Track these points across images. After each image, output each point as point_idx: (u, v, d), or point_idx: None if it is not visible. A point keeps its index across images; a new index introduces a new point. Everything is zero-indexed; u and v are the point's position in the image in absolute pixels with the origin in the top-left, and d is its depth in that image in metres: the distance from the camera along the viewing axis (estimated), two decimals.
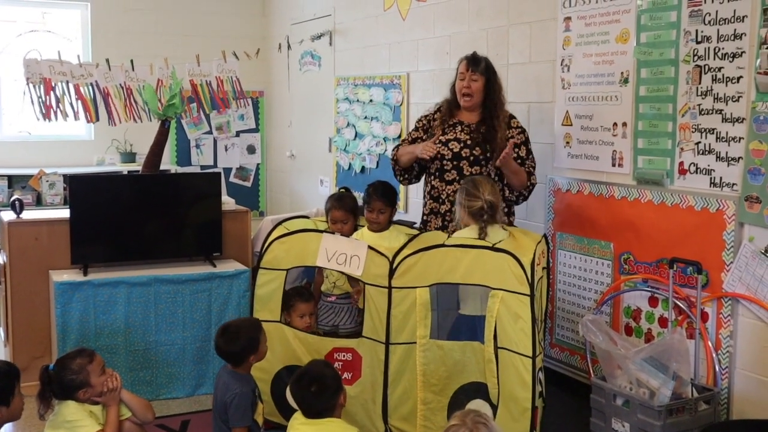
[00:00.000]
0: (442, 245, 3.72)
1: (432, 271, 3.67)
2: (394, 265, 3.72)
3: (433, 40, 5.55)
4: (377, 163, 6.25)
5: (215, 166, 8.24)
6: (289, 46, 6.51)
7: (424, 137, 4.38)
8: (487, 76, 4.21)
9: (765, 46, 3.33)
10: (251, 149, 8.40)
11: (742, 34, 3.46)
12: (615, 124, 4.12)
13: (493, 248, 3.63)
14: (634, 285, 4.04)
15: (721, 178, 3.59)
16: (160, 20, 7.89)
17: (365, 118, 6.36)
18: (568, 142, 4.43)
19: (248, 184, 8.46)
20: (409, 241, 3.88)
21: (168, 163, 7.98)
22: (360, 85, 6.46)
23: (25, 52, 7.20)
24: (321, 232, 3.98)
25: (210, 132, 8.21)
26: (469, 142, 4.19)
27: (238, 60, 5.62)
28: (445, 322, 3.95)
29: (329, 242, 3.91)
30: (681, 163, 3.78)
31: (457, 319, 3.92)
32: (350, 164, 6.65)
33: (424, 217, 4.36)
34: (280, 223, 4.18)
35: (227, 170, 8.33)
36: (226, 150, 8.29)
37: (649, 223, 3.93)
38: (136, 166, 7.71)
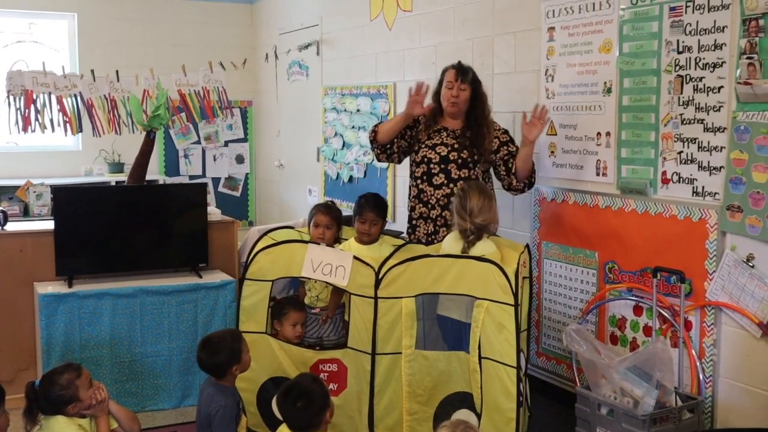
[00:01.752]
0: (428, 255, 3.74)
1: (418, 281, 3.68)
2: (380, 276, 3.73)
3: (419, 50, 5.57)
4: (365, 172, 6.26)
5: (204, 175, 8.25)
6: (276, 56, 6.53)
7: (407, 132, 4.38)
8: (474, 86, 4.25)
9: (745, 57, 3.35)
10: (240, 159, 8.41)
11: (722, 44, 3.48)
12: (599, 133, 4.14)
13: (478, 258, 3.65)
14: (618, 294, 4.05)
15: (703, 187, 3.61)
16: (148, 30, 7.91)
17: (353, 127, 6.37)
18: (552, 152, 4.44)
19: (237, 193, 8.46)
20: (395, 251, 3.89)
21: (156, 173, 7.99)
22: (347, 94, 6.47)
23: (12, 62, 7.23)
24: (306, 242, 3.99)
25: (198, 142, 8.22)
26: (456, 145, 4.22)
27: (225, 70, 5.63)
28: (431, 332, 3.97)
29: (315, 253, 3.92)
30: (664, 173, 3.79)
31: (443, 324, 3.92)
32: (338, 174, 6.66)
33: (413, 222, 4.37)
34: (265, 234, 4.17)
35: (216, 180, 8.34)
36: (215, 160, 8.30)
37: (633, 232, 3.95)
38: (124, 176, 7.65)
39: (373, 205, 4.19)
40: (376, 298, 3.74)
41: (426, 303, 3.90)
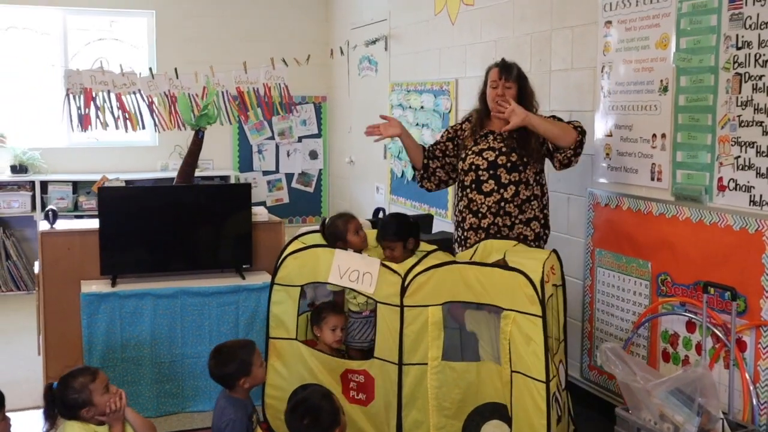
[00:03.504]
0: (454, 262, 3.57)
1: (445, 288, 3.53)
2: (406, 283, 3.59)
3: (480, 45, 5.37)
4: None
5: (277, 171, 8.26)
6: (341, 52, 6.43)
7: (448, 144, 4.24)
8: (520, 83, 4.03)
9: None
10: (314, 155, 8.38)
11: None
12: (654, 135, 3.86)
13: (504, 266, 3.45)
14: (671, 308, 3.76)
15: (761, 195, 3.29)
16: (224, 26, 7.95)
17: (417, 125, 6.22)
18: (608, 154, 4.18)
19: (310, 189, 8.43)
20: (424, 257, 3.72)
21: (230, 169, 8.05)
22: (412, 91, 6.32)
23: (94, 60, 7.40)
24: (334, 247, 3.86)
25: (272, 137, 8.23)
26: (504, 149, 4.01)
27: (288, 66, 5.56)
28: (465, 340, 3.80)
29: (342, 259, 3.80)
30: (720, 179, 3.49)
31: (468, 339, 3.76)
32: (403, 171, 6.52)
33: (463, 234, 4.16)
34: (296, 238, 4.08)
35: (289, 176, 8.34)
36: (288, 155, 8.29)
37: (687, 242, 3.66)
38: (198, 172, 7.77)
39: (390, 232, 4.03)
40: (402, 306, 3.60)
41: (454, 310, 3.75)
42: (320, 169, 8.43)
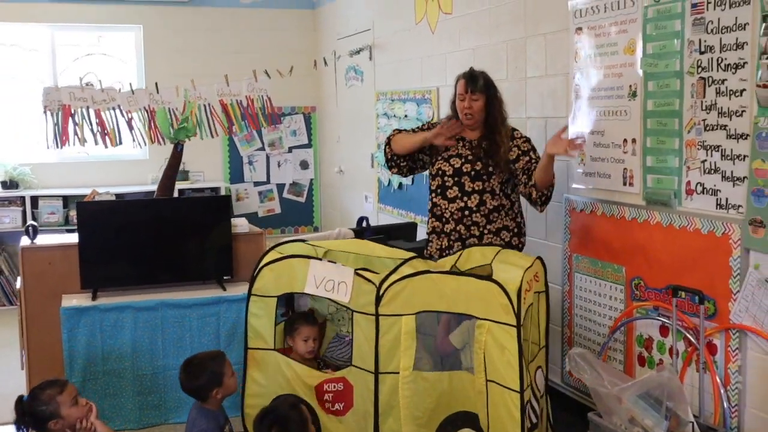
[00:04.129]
0: (428, 271, 3.59)
1: (419, 298, 3.54)
2: (381, 292, 3.61)
3: (459, 54, 5.39)
4: (413, 179, 6.12)
5: (268, 182, 8.30)
6: (325, 62, 6.47)
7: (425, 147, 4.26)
8: (487, 93, 4.06)
9: (765, 57, 3.05)
10: (304, 164, 8.41)
11: (743, 43, 3.18)
12: (625, 140, 3.87)
13: (479, 276, 3.48)
14: (645, 312, 3.77)
15: (727, 199, 3.31)
16: (212, 39, 7.99)
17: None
18: (582, 160, 4.20)
19: (302, 199, 8.46)
20: (400, 265, 3.74)
21: (221, 180, 8.08)
22: (396, 99, 6.35)
23: (82, 74, 7.45)
24: (308, 258, 3.88)
25: (263, 148, 8.27)
26: (470, 157, 4.06)
27: (270, 78, 5.60)
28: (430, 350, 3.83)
29: (317, 269, 3.82)
30: (688, 183, 3.50)
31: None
32: (389, 180, 6.54)
33: (429, 236, 4.23)
34: (273, 248, 4.10)
35: (280, 186, 8.37)
36: (279, 166, 8.33)
37: (658, 246, 3.67)
38: (190, 184, 7.83)
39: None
40: (377, 315, 3.62)
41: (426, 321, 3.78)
42: (311, 179, 8.46)
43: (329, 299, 3.82)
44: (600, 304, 4.10)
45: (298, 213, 8.44)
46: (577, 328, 4.29)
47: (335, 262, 3.90)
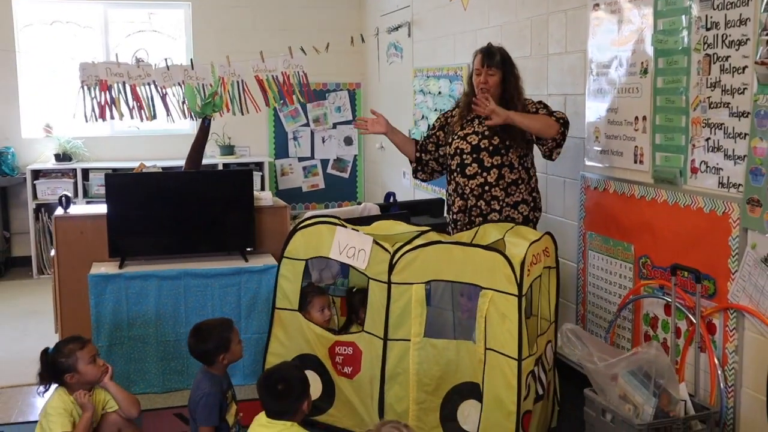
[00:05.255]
0: (439, 242, 3.66)
1: (429, 267, 3.63)
2: (394, 260, 3.69)
3: (488, 30, 5.39)
4: None
5: (312, 157, 8.41)
6: (362, 39, 6.53)
7: (439, 134, 4.34)
8: (504, 68, 4.07)
9: (765, 33, 3.00)
10: (348, 141, 8.49)
11: (746, 19, 3.13)
12: (636, 117, 3.85)
13: (485, 247, 3.54)
14: (651, 291, 3.76)
15: (728, 177, 3.27)
16: (259, 16, 8.11)
17: (435, 110, 6.28)
18: (597, 137, 4.18)
19: (346, 175, 8.56)
20: (416, 237, 3.82)
21: (266, 155, 8.23)
22: (431, 76, 6.38)
23: (134, 50, 7.68)
24: (336, 224, 3.99)
25: (307, 124, 8.38)
26: (487, 132, 4.08)
27: (306, 55, 5.69)
28: (439, 320, 3.89)
29: (342, 235, 3.94)
30: (693, 161, 3.47)
31: None
32: None
33: (454, 216, 4.29)
34: (312, 217, 4.20)
35: (325, 161, 8.48)
36: (324, 142, 8.43)
37: (664, 225, 3.65)
38: (235, 159, 8.01)
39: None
40: (389, 283, 3.71)
41: (436, 290, 3.85)
42: (355, 155, 8.54)
43: (349, 265, 3.92)
44: (611, 282, 4.10)
45: (341, 188, 8.54)
46: (590, 305, 4.30)
47: (358, 230, 4.00)
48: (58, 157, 7.54)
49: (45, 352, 3.48)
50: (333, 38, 6.04)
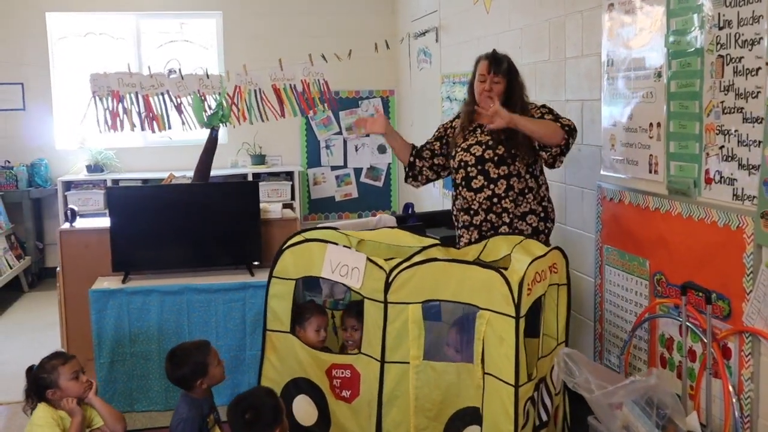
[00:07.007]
0: (435, 259, 3.46)
1: (426, 286, 3.43)
2: (390, 279, 3.51)
3: (509, 34, 5.17)
4: None
5: (345, 166, 8.28)
6: (387, 45, 6.35)
7: (436, 145, 4.15)
8: (509, 77, 3.87)
9: None
10: (382, 149, 8.34)
11: (759, 16, 2.87)
12: (651, 124, 3.59)
13: (482, 264, 3.34)
14: (667, 310, 3.50)
15: (742, 189, 3.01)
16: (290, 23, 8.02)
17: (458, 117, 6.07)
18: (613, 145, 3.93)
19: (379, 184, 8.40)
20: (416, 253, 3.63)
21: (298, 165, 8.13)
22: (457, 82, 6.18)
23: (166, 61, 7.67)
24: (326, 242, 3.82)
25: (340, 132, 8.25)
26: (491, 142, 3.88)
27: (327, 62, 5.56)
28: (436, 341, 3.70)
29: (333, 254, 3.76)
30: (707, 171, 3.21)
31: None
32: None
33: (460, 231, 4.09)
34: (299, 233, 4.06)
35: (358, 170, 8.34)
36: (357, 150, 8.29)
37: (678, 239, 3.39)
38: (266, 168, 7.93)
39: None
40: (385, 302, 3.52)
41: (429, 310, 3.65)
42: (389, 164, 8.38)
43: (342, 284, 3.75)
44: (627, 300, 3.84)
45: (375, 197, 8.39)
46: (607, 324, 4.05)
47: (350, 248, 3.83)
48: (90, 168, 7.56)
49: (30, 369, 3.41)
50: (365, 45, 5.91)
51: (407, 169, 4.25)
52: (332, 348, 4.10)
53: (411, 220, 5.21)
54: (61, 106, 7.79)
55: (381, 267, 3.57)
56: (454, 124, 4.14)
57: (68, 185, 7.44)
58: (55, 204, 7.56)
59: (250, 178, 7.57)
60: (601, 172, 4.01)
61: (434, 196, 6.90)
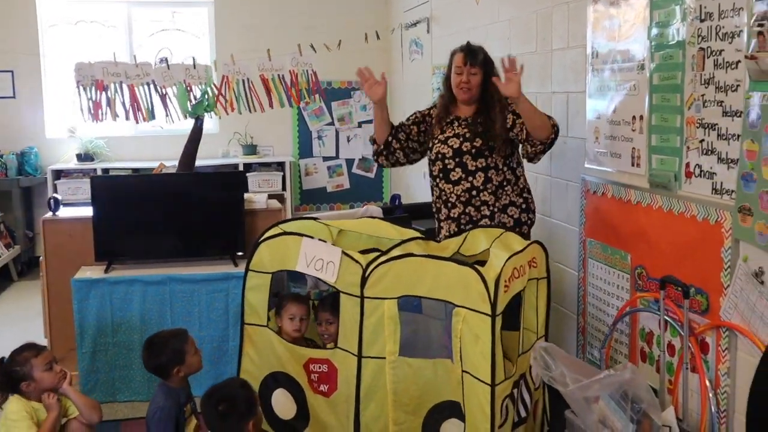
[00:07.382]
0: (411, 254, 3.43)
1: (402, 281, 3.40)
2: (367, 273, 3.48)
3: (498, 26, 5.15)
4: None
5: (337, 157, 8.26)
6: (377, 36, 6.32)
7: (413, 129, 4.12)
8: (485, 68, 3.85)
9: (756, 24, 2.71)
10: (374, 140, 8.28)
11: (740, 8, 2.84)
12: (634, 117, 3.57)
13: (458, 261, 3.31)
14: (647, 304, 3.49)
15: (721, 183, 2.99)
16: (282, 13, 7.98)
17: None
18: (596, 138, 3.91)
19: (371, 175, 8.38)
20: (394, 246, 3.61)
21: (290, 155, 8.11)
22: None
23: (157, 50, 7.62)
24: (301, 236, 3.80)
25: (332, 123, 8.22)
26: (468, 134, 3.86)
27: (316, 52, 5.54)
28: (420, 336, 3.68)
29: (308, 247, 3.73)
30: (687, 164, 3.19)
31: None
32: None
33: (440, 224, 4.07)
34: (276, 224, 4.03)
35: (350, 161, 8.31)
36: (348, 141, 8.26)
37: (659, 233, 3.38)
38: (257, 158, 7.90)
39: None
40: (362, 297, 3.50)
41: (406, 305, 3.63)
42: None
43: (317, 278, 3.73)
44: (609, 293, 3.83)
45: (367, 188, 8.37)
46: (590, 317, 4.03)
47: (326, 241, 3.81)
48: (80, 157, 7.54)
49: (1, 362, 3.37)
50: (358, 36, 5.87)
51: (382, 148, 4.21)
52: (316, 339, 4.08)
53: (398, 212, 5.19)
54: (51, 95, 7.75)
55: (357, 261, 3.54)
56: (431, 112, 4.12)
57: (58, 174, 7.42)
58: (45, 193, 7.52)
59: (241, 168, 7.54)
60: (586, 165, 3.99)
61: (424, 187, 6.87)
